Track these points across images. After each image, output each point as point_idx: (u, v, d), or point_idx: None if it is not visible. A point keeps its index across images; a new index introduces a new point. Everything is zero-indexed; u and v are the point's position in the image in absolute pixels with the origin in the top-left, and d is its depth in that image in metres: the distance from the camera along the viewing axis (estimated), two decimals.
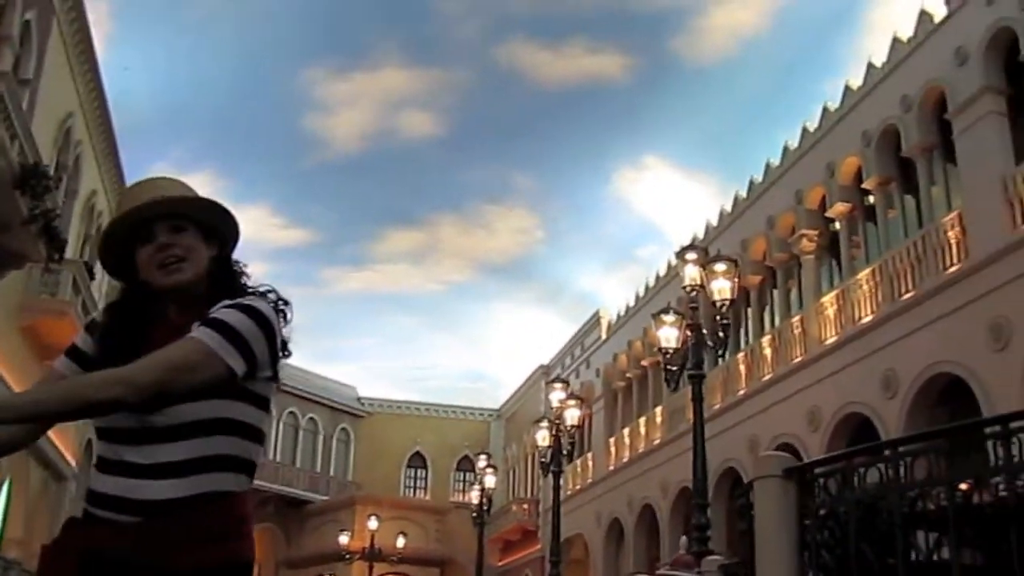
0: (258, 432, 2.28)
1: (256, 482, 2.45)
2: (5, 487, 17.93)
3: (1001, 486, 4.99)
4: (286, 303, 2.38)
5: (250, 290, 2.38)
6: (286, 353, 2.34)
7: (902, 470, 5.32)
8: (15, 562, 13.36)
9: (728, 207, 23.53)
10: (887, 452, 5.64)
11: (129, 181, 23.82)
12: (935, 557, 5.39)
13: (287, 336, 2.35)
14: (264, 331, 2.23)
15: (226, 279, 2.38)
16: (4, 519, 18.22)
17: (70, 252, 17.01)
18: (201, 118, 48.98)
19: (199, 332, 2.17)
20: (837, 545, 5.59)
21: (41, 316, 16.56)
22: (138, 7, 44.51)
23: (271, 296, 2.36)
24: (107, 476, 2.20)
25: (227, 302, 2.25)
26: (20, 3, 14.78)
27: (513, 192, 54.38)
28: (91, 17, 18.51)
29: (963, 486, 5.05)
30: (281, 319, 2.33)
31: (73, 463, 19.87)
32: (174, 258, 2.29)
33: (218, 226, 2.39)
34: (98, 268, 21.00)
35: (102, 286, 21.74)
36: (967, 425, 6.09)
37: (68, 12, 17.39)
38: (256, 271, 2.47)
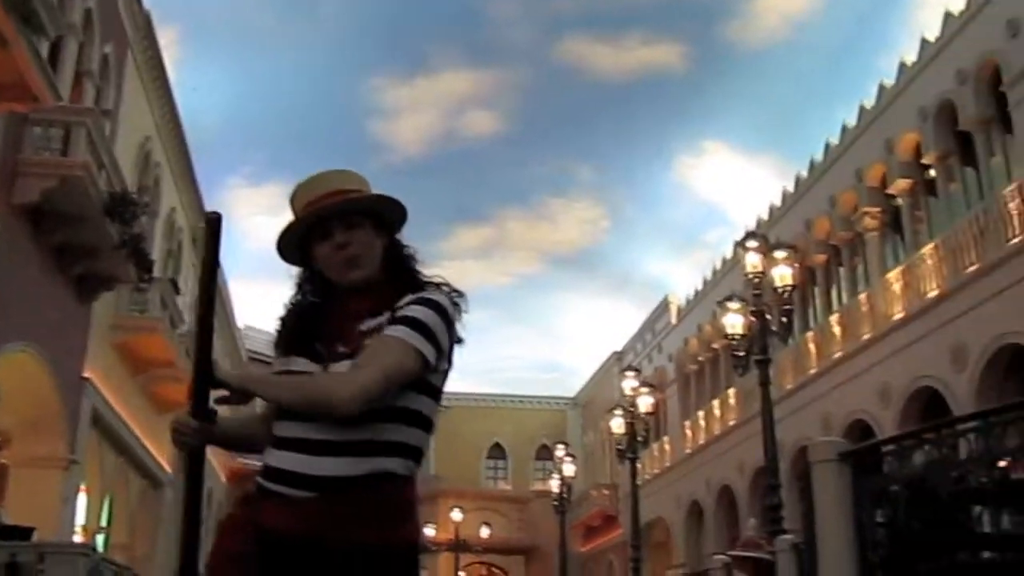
0: (430, 422, 2.35)
1: None
2: (107, 501, 18.86)
3: None
4: (460, 295, 2.45)
5: (425, 280, 2.45)
6: (459, 342, 2.41)
7: (946, 450, 5.71)
8: (125, 567, 14.12)
9: (791, 188, 23.68)
10: (932, 434, 6.03)
11: (205, 196, 24.71)
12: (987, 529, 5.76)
13: (461, 327, 2.42)
14: (446, 324, 2.33)
15: (399, 264, 2.48)
16: (109, 527, 19.19)
17: (156, 270, 17.74)
18: (270, 131, 50.18)
19: (399, 332, 2.26)
20: (890, 523, 5.98)
21: (133, 334, 17.29)
22: (205, 29, 45.87)
23: (445, 288, 2.43)
24: (283, 452, 2.27)
25: (411, 297, 2.34)
26: (98, 38, 15.55)
27: (577, 184, 54.80)
28: (162, 42, 19.23)
29: (1002, 463, 5.42)
30: (455, 311, 2.40)
31: (169, 470, 20.72)
32: (352, 256, 2.40)
33: (388, 215, 2.48)
34: (183, 283, 21.84)
35: (186, 298, 22.58)
36: (1005, 407, 6.42)
37: (141, 41, 18.11)
38: None
